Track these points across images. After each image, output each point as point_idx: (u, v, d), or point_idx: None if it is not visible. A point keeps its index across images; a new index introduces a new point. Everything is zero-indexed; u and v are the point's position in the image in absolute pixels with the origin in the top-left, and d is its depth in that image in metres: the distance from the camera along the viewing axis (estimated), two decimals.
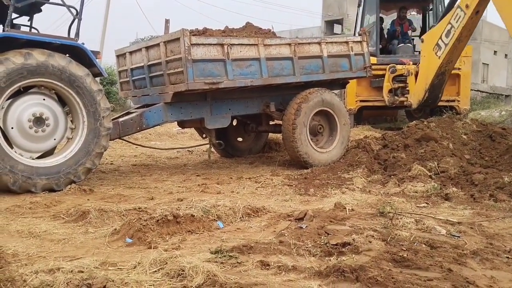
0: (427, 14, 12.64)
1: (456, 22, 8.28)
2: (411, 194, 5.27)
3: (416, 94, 9.94)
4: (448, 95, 11.20)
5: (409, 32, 12.58)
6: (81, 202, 4.84)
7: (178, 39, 6.08)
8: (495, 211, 4.54)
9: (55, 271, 2.78)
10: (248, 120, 8.10)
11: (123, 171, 7.16)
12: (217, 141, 7.43)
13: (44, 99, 5.55)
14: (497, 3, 7.35)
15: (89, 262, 2.93)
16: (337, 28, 35.59)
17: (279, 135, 8.15)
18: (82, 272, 2.77)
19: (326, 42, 7.51)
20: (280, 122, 7.32)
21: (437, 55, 8.91)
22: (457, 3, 8.29)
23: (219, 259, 3.05)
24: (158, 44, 6.49)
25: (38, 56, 5.31)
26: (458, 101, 11.27)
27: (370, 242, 3.33)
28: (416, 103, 9.99)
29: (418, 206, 4.73)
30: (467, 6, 8.00)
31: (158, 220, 3.78)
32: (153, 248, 3.37)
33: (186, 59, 6.00)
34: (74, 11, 5.89)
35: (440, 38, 8.73)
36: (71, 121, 5.79)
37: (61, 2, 5.83)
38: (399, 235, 3.49)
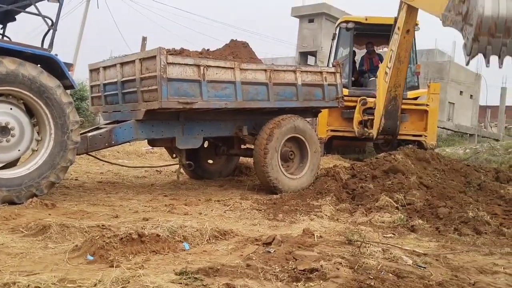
0: None
1: (394, 46, 8.86)
2: (378, 224, 5.31)
3: (375, 123, 10.27)
4: (416, 130, 11.50)
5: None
6: (42, 217, 4.66)
7: (154, 57, 6.05)
8: (459, 244, 4.60)
9: (11, 285, 2.65)
10: (220, 143, 8.07)
11: (88, 188, 6.97)
12: (187, 162, 7.35)
13: (11, 109, 5.38)
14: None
15: (47, 278, 2.80)
16: (310, 59, 36.29)
17: (250, 159, 8.14)
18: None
19: (301, 71, 7.62)
20: (252, 146, 7.32)
21: (386, 82, 9.33)
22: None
23: (184, 281, 2.96)
24: (133, 61, 6.43)
25: (8, 64, 5.17)
26: (425, 136, 11.56)
27: (338, 269, 3.30)
28: (376, 132, 10.28)
29: (385, 236, 4.76)
30: (398, 28, 8.61)
31: (122, 238, 3.66)
32: (115, 267, 3.25)
33: (161, 77, 5.96)
34: (49, 22, 5.79)
35: (387, 66, 9.25)
36: (38, 132, 5.62)
37: (36, 12, 5.73)
38: (367, 263, 3.49)
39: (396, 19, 8.89)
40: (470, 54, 5.85)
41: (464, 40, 5.90)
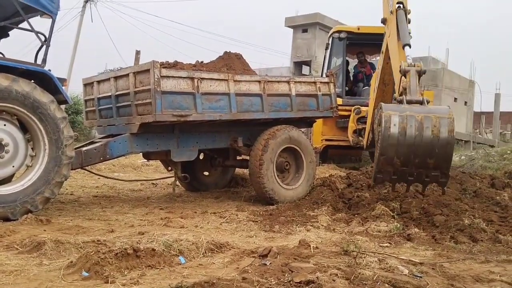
0: None
1: (379, 65, 8.53)
2: (375, 233, 5.30)
3: (365, 135, 10.26)
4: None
5: (373, 75, 13.00)
6: (37, 233, 4.63)
7: (148, 70, 6.06)
8: (455, 252, 4.60)
9: None
10: (215, 154, 8.07)
11: (83, 202, 6.94)
12: (182, 174, 7.34)
13: (5, 125, 5.37)
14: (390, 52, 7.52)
15: None
16: (305, 69, 36.45)
17: (245, 171, 8.13)
18: None
19: (295, 81, 7.65)
20: (247, 157, 7.32)
21: (373, 99, 9.12)
22: None
23: None
24: (127, 75, 6.45)
25: (1, 81, 5.16)
26: None
27: (334, 280, 3.29)
28: (366, 144, 10.27)
29: (381, 246, 4.75)
30: (382, 52, 8.28)
31: (117, 254, 3.65)
32: (111, 283, 3.24)
33: (155, 91, 5.98)
34: (42, 37, 5.81)
35: (375, 82, 8.96)
36: (32, 148, 5.61)
37: (29, 28, 5.75)
38: (363, 274, 3.47)
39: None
40: (375, 182, 5.83)
41: (374, 164, 5.78)
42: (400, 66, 6.27)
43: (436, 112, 5.59)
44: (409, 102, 5.74)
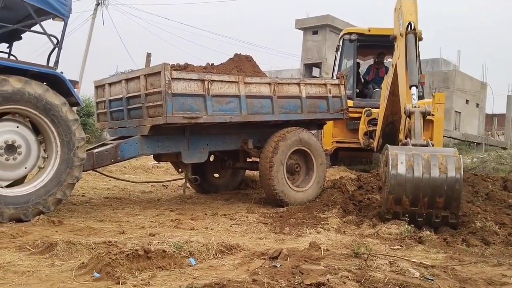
0: None
1: (390, 77, 8.33)
2: (385, 236, 5.27)
3: (375, 138, 10.20)
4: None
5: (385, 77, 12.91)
6: (49, 234, 4.67)
7: (159, 72, 6.10)
8: (467, 255, 4.56)
9: None
10: (225, 156, 8.09)
11: (95, 204, 7.00)
12: (193, 176, 7.37)
13: (17, 127, 5.43)
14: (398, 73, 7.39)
15: None
16: (315, 71, 36.42)
17: (256, 173, 8.13)
18: None
19: (305, 83, 7.64)
20: (258, 159, 7.33)
21: (383, 107, 9.04)
22: None
23: None
24: (138, 77, 6.49)
25: (14, 83, 5.23)
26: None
27: (345, 283, 3.28)
28: (376, 147, 10.22)
29: (392, 248, 4.72)
30: (392, 66, 8.13)
31: (128, 255, 3.66)
32: (122, 284, 3.26)
33: (166, 93, 6.01)
34: (54, 40, 5.87)
35: (386, 89, 8.80)
36: (44, 150, 5.67)
37: (42, 31, 5.81)
38: (374, 276, 3.45)
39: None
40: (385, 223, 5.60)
41: (382, 204, 5.70)
42: (404, 108, 6.24)
43: (442, 151, 5.61)
44: (414, 145, 5.75)
